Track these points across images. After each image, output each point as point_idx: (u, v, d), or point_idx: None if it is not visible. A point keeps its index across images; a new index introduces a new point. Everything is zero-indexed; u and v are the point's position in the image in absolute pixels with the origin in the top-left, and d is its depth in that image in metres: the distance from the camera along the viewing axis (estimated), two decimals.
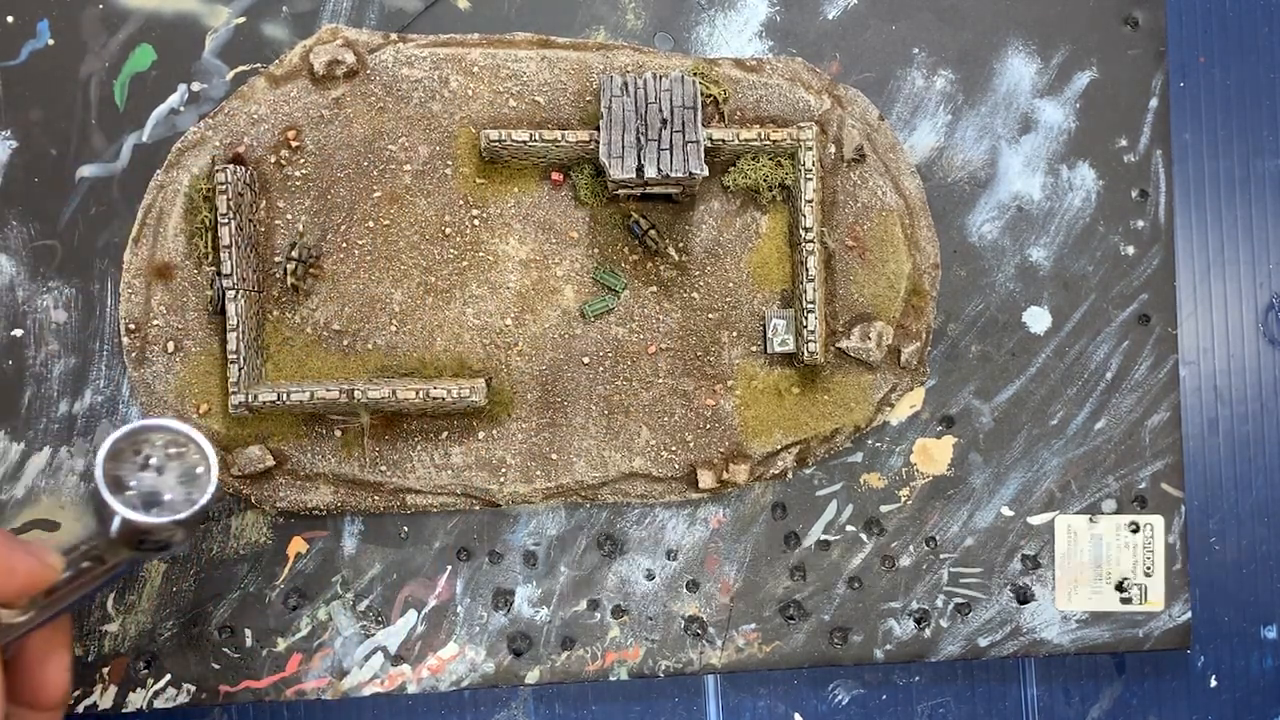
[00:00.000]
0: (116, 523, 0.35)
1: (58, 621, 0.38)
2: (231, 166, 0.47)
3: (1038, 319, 0.54)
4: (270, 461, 0.49)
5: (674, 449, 0.51)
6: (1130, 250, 0.54)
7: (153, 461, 0.36)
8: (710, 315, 0.51)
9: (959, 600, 0.53)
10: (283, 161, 0.50)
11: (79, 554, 0.36)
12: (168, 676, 0.50)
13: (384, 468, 0.50)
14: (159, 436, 0.37)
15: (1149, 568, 0.54)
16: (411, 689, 0.51)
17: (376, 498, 0.50)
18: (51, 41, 0.51)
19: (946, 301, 0.53)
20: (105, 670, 0.50)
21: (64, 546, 0.36)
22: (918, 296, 0.52)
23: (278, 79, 0.50)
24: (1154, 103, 0.54)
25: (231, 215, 0.47)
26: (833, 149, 0.51)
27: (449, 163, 0.50)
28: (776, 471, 0.52)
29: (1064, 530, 0.54)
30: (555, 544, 0.52)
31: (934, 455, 0.53)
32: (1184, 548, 0.54)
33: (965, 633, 0.53)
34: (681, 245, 0.51)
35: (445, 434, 0.50)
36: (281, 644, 0.51)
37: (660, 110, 0.48)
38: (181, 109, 0.51)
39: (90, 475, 0.35)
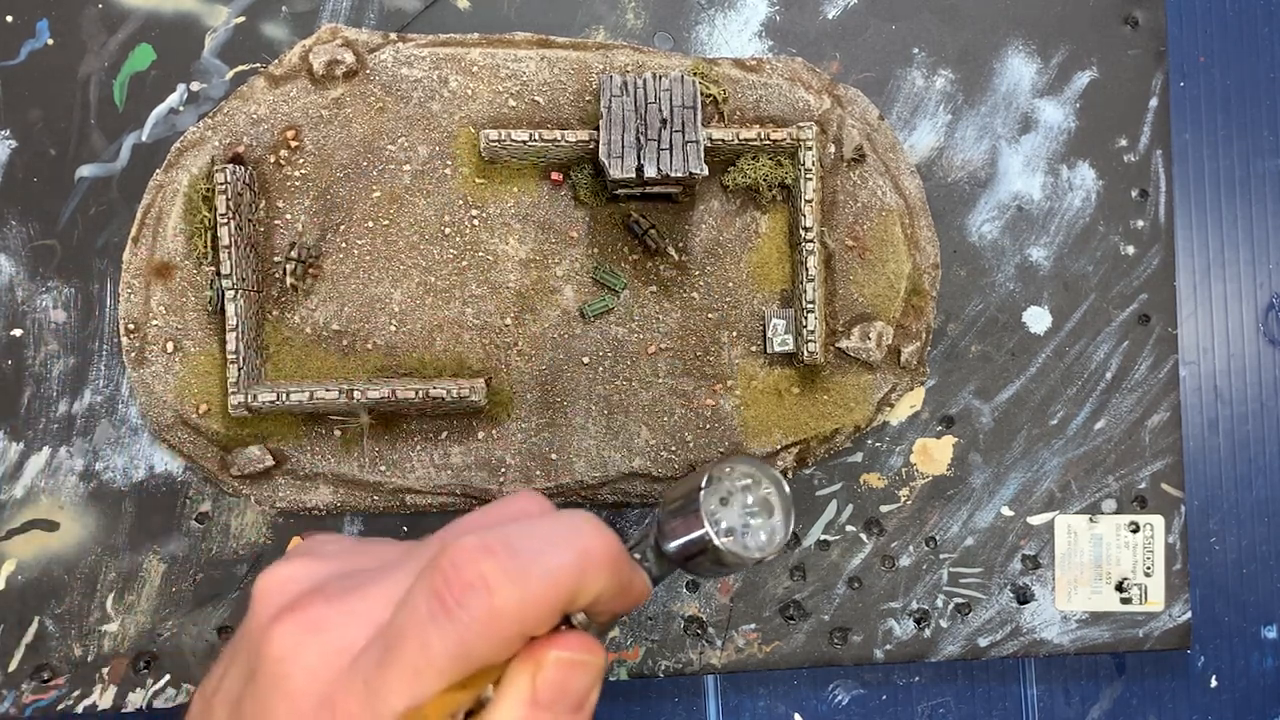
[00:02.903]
0: (687, 540, 0.35)
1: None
2: (231, 166, 0.47)
3: (1038, 319, 0.54)
4: (270, 461, 0.49)
5: (674, 449, 0.51)
6: (1130, 250, 0.54)
7: (725, 488, 0.37)
8: (710, 315, 0.51)
9: (959, 600, 0.53)
10: (282, 161, 0.50)
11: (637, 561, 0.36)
12: (167, 676, 0.50)
13: (383, 468, 0.50)
14: (740, 469, 0.37)
15: (1149, 568, 0.54)
16: None
17: (376, 498, 0.50)
18: (51, 41, 0.51)
19: (946, 301, 0.53)
20: (105, 670, 0.50)
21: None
22: (918, 296, 0.52)
23: (277, 79, 0.50)
24: (1154, 103, 0.54)
25: (231, 215, 0.47)
26: (833, 149, 0.51)
27: (448, 163, 0.50)
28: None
29: (1064, 530, 0.54)
30: None
31: (934, 455, 0.53)
32: (1184, 548, 0.54)
33: (965, 633, 0.53)
34: (681, 245, 0.51)
35: (445, 434, 0.50)
36: None
37: (660, 110, 0.48)
38: (181, 109, 0.51)
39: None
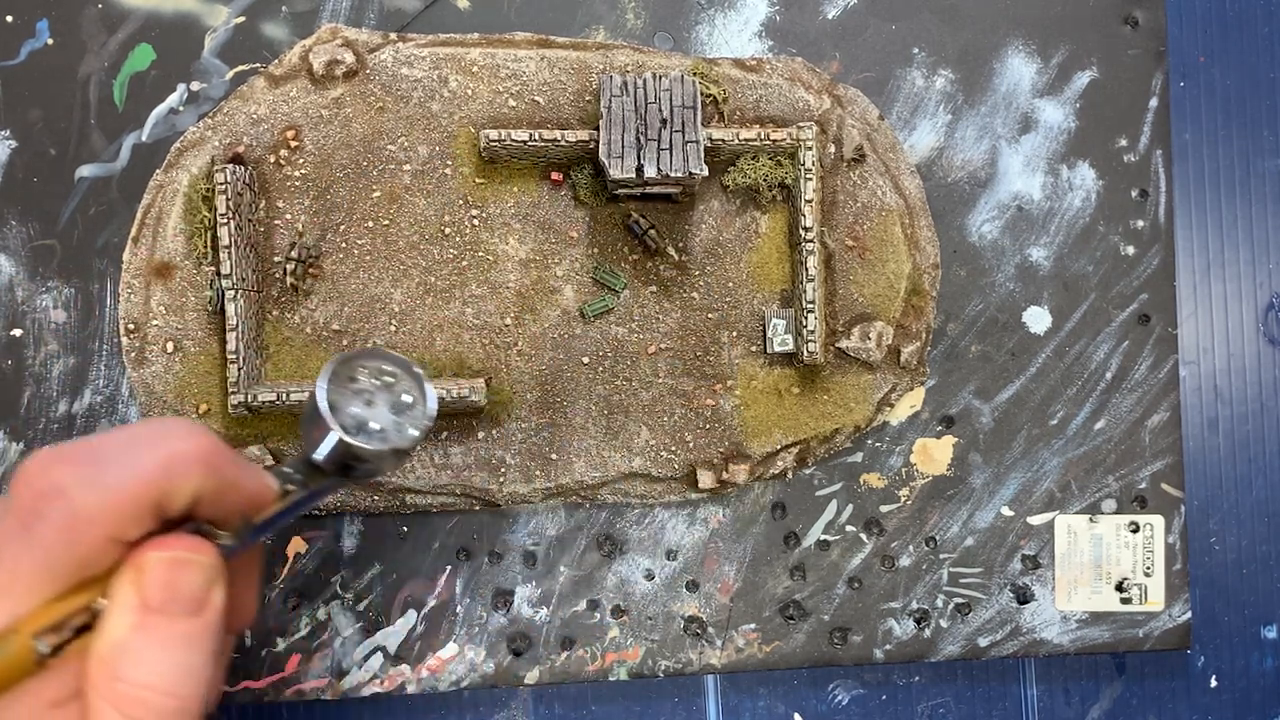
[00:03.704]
0: (328, 447, 0.34)
1: (254, 548, 0.37)
2: (231, 166, 0.47)
3: (1038, 319, 0.54)
4: (270, 461, 0.49)
5: (674, 449, 0.51)
6: (1130, 250, 0.54)
7: (363, 391, 0.36)
8: (710, 315, 0.51)
9: (959, 600, 0.53)
10: (282, 161, 0.50)
11: (285, 478, 0.36)
12: None
13: None
14: (371, 366, 0.36)
15: (1149, 568, 0.54)
16: (411, 689, 0.51)
17: (376, 498, 0.50)
18: (51, 41, 0.51)
19: (946, 301, 0.53)
20: None
21: (273, 471, 0.36)
22: (918, 296, 0.52)
23: (277, 79, 0.50)
24: (1154, 103, 0.54)
25: (231, 215, 0.47)
26: (833, 149, 0.51)
27: (448, 162, 0.50)
28: (776, 471, 0.52)
29: (1064, 530, 0.54)
30: (555, 544, 0.52)
31: (934, 455, 0.53)
32: (1184, 548, 0.54)
33: (965, 633, 0.53)
34: (681, 245, 0.51)
35: (445, 434, 0.50)
36: (281, 644, 0.51)
37: (660, 110, 0.48)
38: (181, 109, 0.51)
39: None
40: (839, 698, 0.54)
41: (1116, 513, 0.54)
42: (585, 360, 0.51)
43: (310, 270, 0.50)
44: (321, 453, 0.35)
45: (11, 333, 0.50)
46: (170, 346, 0.49)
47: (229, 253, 0.47)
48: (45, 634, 0.30)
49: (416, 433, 0.36)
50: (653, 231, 0.50)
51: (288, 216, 0.50)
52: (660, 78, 0.49)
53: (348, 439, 0.34)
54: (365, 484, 0.37)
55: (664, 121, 0.48)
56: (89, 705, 0.30)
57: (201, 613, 0.31)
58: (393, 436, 0.35)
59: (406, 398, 0.36)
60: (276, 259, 0.50)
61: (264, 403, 0.47)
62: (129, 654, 0.30)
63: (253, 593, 0.38)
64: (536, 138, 0.48)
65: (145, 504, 0.30)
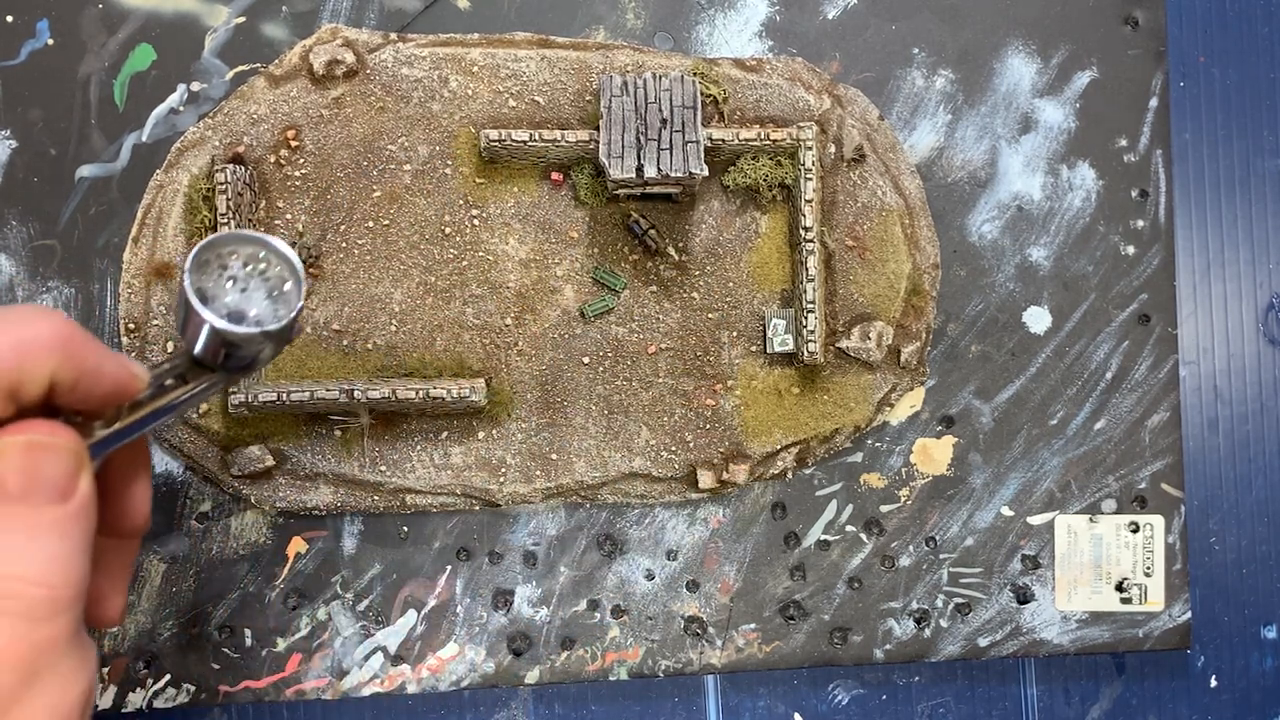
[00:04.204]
0: (203, 337, 0.34)
1: (137, 444, 0.36)
2: (231, 166, 0.47)
3: (1038, 319, 0.54)
4: (270, 461, 0.49)
5: (674, 449, 0.51)
6: (1130, 250, 0.54)
7: (236, 277, 0.35)
8: (710, 315, 0.51)
9: (959, 600, 0.53)
10: (282, 161, 0.50)
11: (163, 372, 0.35)
12: (167, 676, 0.50)
13: (384, 468, 0.50)
14: (241, 251, 0.35)
15: (1149, 568, 0.54)
16: (411, 689, 0.51)
17: (376, 498, 0.50)
18: (51, 41, 0.51)
19: (946, 301, 0.53)
20: (105, 670, 0.50)
21: (148, 365, 0.35)
22: (918, 296, 0.52)
23: (277, 79, 0.50)
24: (1154, 103, 0.54)
25: (231, 215, 0.47)
26: (833, 149, 0.51)
27: (449, 162, 0.50)
28: (776, 471, 0.52)
29: (1064, 530, 0.54)
30: (555, 544, 0.52)
31: (934, 455, 0.53)
32: (1184, 548, 0.54)
33: (965, 633, 0.53)
34: (681, 245, 0.51)
35: (445, 434, 0.50)
36: (281, 644, 0.51)
37: (660, 110, 0.48)
38: (181, 109, 0.51)
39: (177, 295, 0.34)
40: (839, 698, 0.54)
41: (1116, 513, 0.54)
42: (585, 360, 0.51)
43: (310, 270, 0.50)
44: (199, 345, 0.34)
45: None
46: (170, 346, 0.49)
47: None
48: None
49: (289, 315, 0.35)
50: (653, 231, 0.50)
51: (288, 216, 0.50)
52: (660, 78, 0.49)
53: (220, 324, 0.33)
54: (245, 376, 0.36)
55: (664, 121, 0.48)
56: None
57: (67, 500, 0.30)
58: (269, 322, 0.35)
59: (282, 285, 0.35)
60: None
61: (264, 403, 0.47)
62: None
63: (144, 493, 0.37)
64: (537, 138, 0.48)
65: None
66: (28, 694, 0.30)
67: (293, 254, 0.36)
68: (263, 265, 0.36)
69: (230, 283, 0.35)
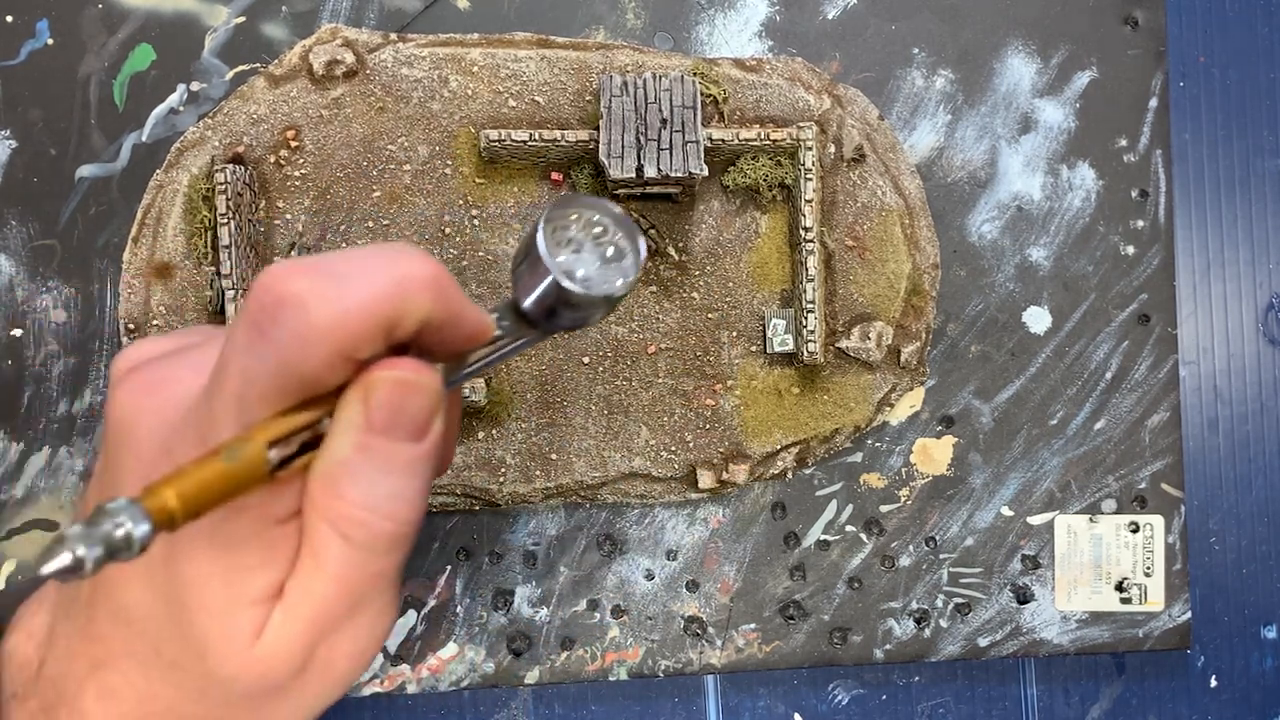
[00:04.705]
0: (540, 291, 0.33)
1: (455, 392, 0.37)
2: (231, 166, 0.47)
3: (1038, 319, 0.54)
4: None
5: (674, 449, 0.51)
6: (1130, 250, 0.54)
7: (573, 239, 0.34)
8: (710, 315, 0.51)
9: (959, 600, 0.53)
10: (282, 161, 0.50)
11: (493, 324, 0.34)
12: None
13: None
14: (584, 215, 0.35)
15: (1149, 568, 0.54)
16: (411, 689, 0.51)
17: None
18: (51, 41, 0.51)
19: (946, 301, 0.53)
20: None
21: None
22: (918, 296, 0.52)
23: (277, 79, 0.50)
24: (1154, 103, 0.54)
25: (231, 215, 0.47)
26: (832, 149, 0.51)
27: (448, 162, 0.50)
28: (776, 471, 0.52)
29: (1064, 530, 0.54)
30: (555, 544, 0.52)
31: (934, 455, 0.53)
32: (1184, 548, 0.54)
33: (965, 633, 0.53)
34: (681, 245, 0.51)
35: None
36: None
37: (660, 110, 0.48)
38: (181, 109, 0.51)
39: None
40: (839, 698, 0.54)
41: (1116, 513, 0.54)
42: (585, 360, 0.51)
43: None
44: (533, 297, 0.33)
45: (11, 333, 0.50)
46: None
47: (229, 253, 0.47)
48: (276, 445, 0.29)
49: (627, 280, 0.34)
50: (653, 231, 0.50)
51: (288, 216, 0.50)
52: (660, 78, 0.49)
53: (565, 283, 0.33)
54: (566, 335, 0.36)
55: (664, 121, 0.48)
56: (308, 525, 0.30)
57: (423, 439, 0.31)
58: (600, 285, 0.34)
59: (613, 249, 0.35)
60: (276, 259, 0.50)
61: None
62: (351, 473, 0.30)
63: (453, 437, 0.37)
64: (536, 138, 0.48)
65: (379, 322, 0.29)
66: (349, 621, 0.32)
67: (637, 228, 0.35)
68: (598, 229, 0.35)
69: (566, 244, 0.34)
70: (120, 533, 0.26)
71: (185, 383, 0.31)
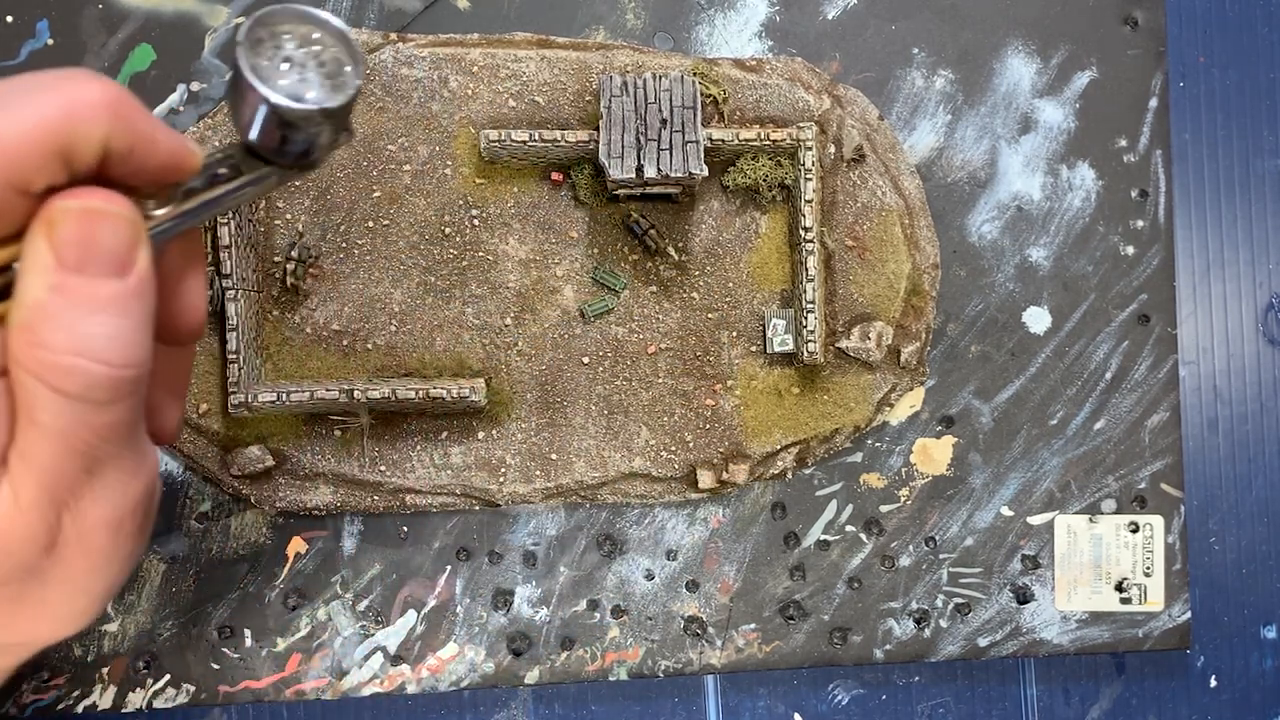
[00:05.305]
0: (260, 118, 0.31)
1: (191, 239, 0.34)
2: None
3: (1037, 319, 0.54)
4: (270, 461, 0.49)
5: (674, 449, 0.51)
6: (1130, 250, 0.54)
7: (291, 59, 0.32)
8: (710, 315, 0.51)
9: (959, 600, 0.53)
10: None
11: (215, 160, 0.32)
12: (167, 676, 0.50)
13: (384, 468, 0.50)
14: (297, 30, 0.32)
15: (1149, 568, 0.54)
16: (411, 689, 0.51)
17: (376, 498, 0.50)
18: (51, 41, 0.51)
19: (946, 301, 0.53)
20: (105, 670, 0.50)
21: (206, 156, 0.33)
22: (917, 296, 0.52)
23: None
24: (1154, 103, 0.54)
25: (231, 215, 0.47)
26: (832, 149, 0.51)
27: (448, 163, 0.50)
28: (776, 471, 0.52)
29: (1064, 530, 0.54)
30: (555, 544, 0.52)
31: (934, 455, 0.53)
32: (1184, 548, 0.54)
33: (965, 633, 0.53)
34: (681, 245, 0.51)
35: (445, 434, 0.50)
36: (281, 644, 0.51)
37: (660, 110, 0.48)
38: (181, 109, 0.51)
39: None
40: (839, 698, 0.54)
41: (1116, 513, 0.54)
42: (585, 360, 0.51)
43: (310, 270, 0.50)
44: (255, 130, 0.31)
45: None
46: None
47: (229, 253, 0.47)
48: None
49: (349, 94, 0.32)
50: (653, 231, 0.50)
51: (288, 216, 0.50)
52: (660, 78, 0.49)
53: (278, 99, 0.31)
54: (302, 171, 0.34)
55: (664, 122, 0.48)
56: (17, 384, 0.28)
57: (126, 274, 0.28)
58: (321, 97, 0.32)
59: (341, 68, 0.33)
60: (276, 259, 0.50)
61: (264, 403, 0.47)
62: (50, 318, 0.27)
63: (199, 290, 0.34)
64: (537, 138, 0.48)
65: (48, 148, 0.27)
66: (89, 486, 0.29)
67: (350, 33, 0.33)
68: (317, 47, 0.33)
69: (285, 64, 0.32)
70: None
71: None
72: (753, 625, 0.52)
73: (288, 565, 0.51)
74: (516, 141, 0.48)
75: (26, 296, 0.27)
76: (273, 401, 0.47)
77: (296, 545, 0.51)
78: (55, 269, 0.27)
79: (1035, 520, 0.53)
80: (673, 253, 0.51)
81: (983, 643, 0.53)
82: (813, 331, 0.49)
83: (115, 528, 0.30)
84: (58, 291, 0.27)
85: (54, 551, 0.29)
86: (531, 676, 0.52)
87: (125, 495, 0.30)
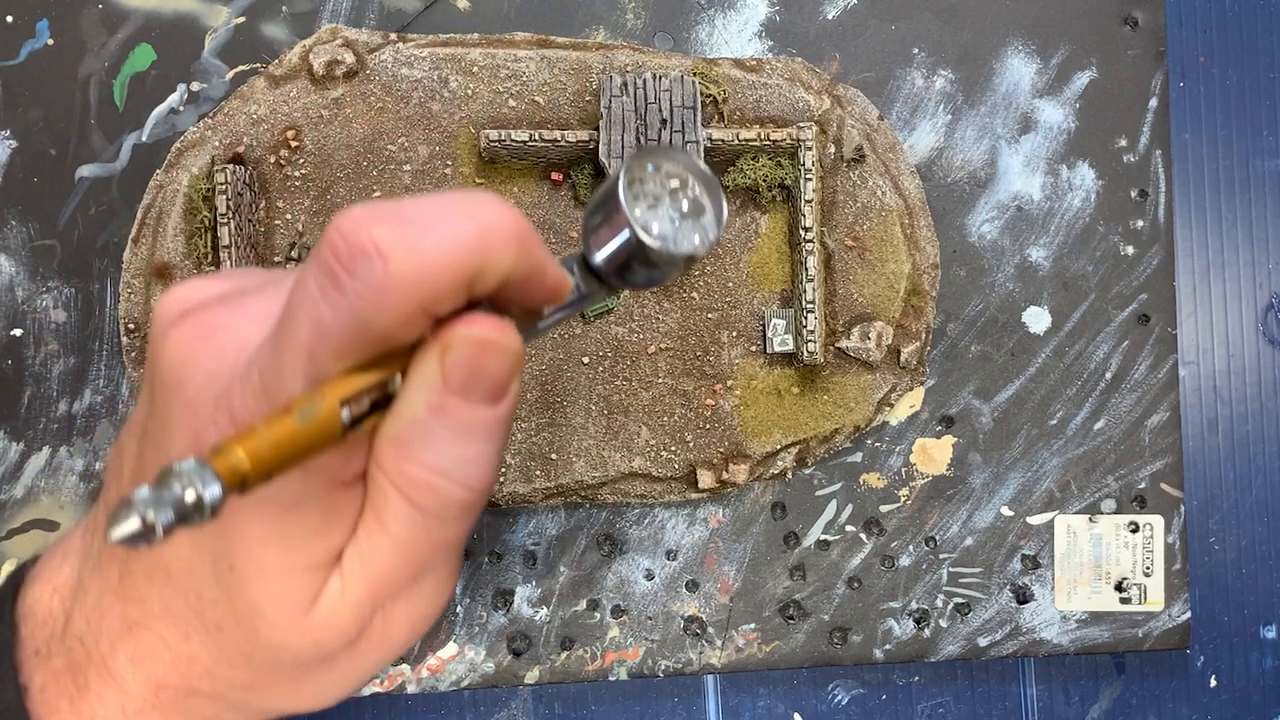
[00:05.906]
0: (615, 246, 0.31)
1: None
2: (231, 166, 0.47)
3: (1037, 319, 0.54)
4: None
5: (674, 449, 0.51)
6: (1130, 250, 0.54)
7: (650, 194, 0.32)
8: (710, 315, 0.51)
9: (959, 600, 0.53)
10: (282, 161, 0.50)
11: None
12: None
13: None
14: (664, 167, 0.32)
15: (1148, 568, 0.54)
16: (411, 689, 0.51)
17: None
18: (51, 41, 0.51)
19: (946, 301, 0.53)
20: None
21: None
22: (917, 296, 0.52)
23: (277, 79, 0.50)
24: (1154, 103, 0.54)
25: (231, 215, 0.47)
26: (832, 149, 0.51)
27: (448, 163, 0.50)
28: (776, 471, 0.52)
29: (1064, 530, 0.54)
30: (555, 544, 0.52)
31: (934, 455, 0.53)
32: (1184, 547, 0.54)
33: (965, 633, 0.53)
34: None
35: None
36: None
37: (660, 110, 0.48)
38: (181, 109, 0.51)
39: None
40: (839, 698, 0.54)
41: (1116, 513, 0.54)
42: (585, 360, 0.51)
43: None
44: (607, 253, 0.31)
45: (11, 333, 0.50)
46: None
47: (229, 253, 0.47)
48: (347, 403, 0.27)
49: (708, 239, 0.32)
50: None
51: (288, 216, 0.50)
52: (660, 78, 0.49)
53: (646, 239, 0.30)
54: (628, 292, 0.33)
55: (664, 122, 0.48)
56: (373, 489, 0.28)
57: (499, 403, 0.29)
58: (681, 244, 0.31)
59: (689, 204, 0.32)
60: (276, 259, 0.50)
61: None
62: (424, 435, 0.28)
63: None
64: (537, 138, 0.48)
65: (462, 275, 0.27)
66: (408, 591, 0.30)
67: (718, 183, 0.33)
68: (674, 183, 0.32)
69: (653, 201, 0.32)
70: (191, 496, 0.24)
71: (243, 331, 0.29)
72: (753, 625, 0.53)
73: None
74: (516, 141, 0.48)
75: (406, 411, 0.28)
76: None
77: None
78: (440, 390, 0.28)
79: (1035, 520, 0.53)
80: None
81: (983, 643, 0.53)
82: (813, 331, 0.49)
83: (415, 628, 0.31)
84: (437, 412, 0.28)
85: (354, 644, 0.30)
86: (531, 676, 0.52)
87: (435, 603, 0.32)
